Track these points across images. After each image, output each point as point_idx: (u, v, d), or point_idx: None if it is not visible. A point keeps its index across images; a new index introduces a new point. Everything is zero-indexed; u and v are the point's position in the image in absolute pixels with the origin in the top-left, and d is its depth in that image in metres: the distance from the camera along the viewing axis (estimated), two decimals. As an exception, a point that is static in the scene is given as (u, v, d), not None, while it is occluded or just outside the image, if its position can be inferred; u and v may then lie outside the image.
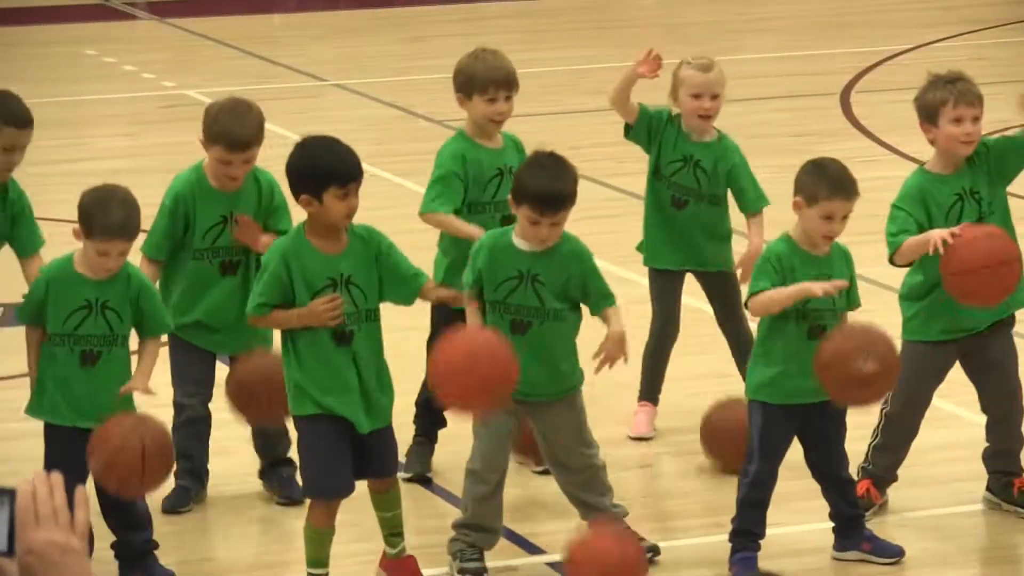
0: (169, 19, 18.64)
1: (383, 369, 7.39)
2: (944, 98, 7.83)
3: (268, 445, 8.28)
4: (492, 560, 7.64)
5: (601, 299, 7.43)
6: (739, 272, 8.55)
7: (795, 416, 7.40)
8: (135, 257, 7.81)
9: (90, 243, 7.31)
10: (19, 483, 3.22)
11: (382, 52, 17.01)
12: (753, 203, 8.62)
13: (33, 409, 7.56)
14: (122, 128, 14.60)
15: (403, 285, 7.31)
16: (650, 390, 8.74)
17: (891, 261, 7.79)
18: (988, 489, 8.17)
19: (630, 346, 7.54)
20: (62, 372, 7.39)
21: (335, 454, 7.24)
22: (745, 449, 7.79)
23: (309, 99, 15.18)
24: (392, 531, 7.44)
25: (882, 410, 8.17)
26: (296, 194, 7.28)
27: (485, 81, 8.34)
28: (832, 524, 7.66)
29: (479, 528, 7.54)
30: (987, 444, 8.14)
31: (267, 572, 7.92)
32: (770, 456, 7.46)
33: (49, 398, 7.43)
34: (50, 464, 7.29)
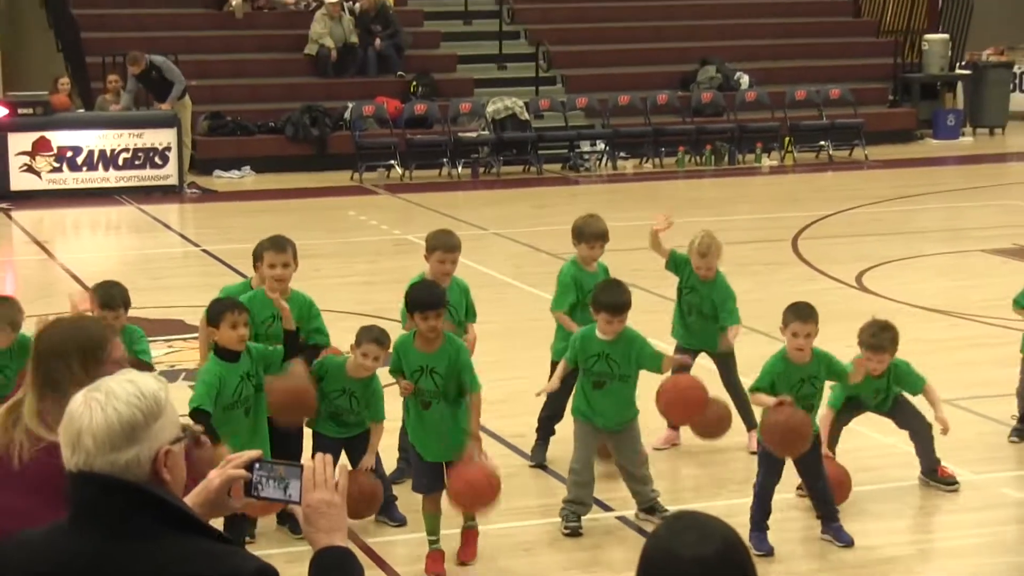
0: (398, 195, 20.70)
1: (457, 424, 7.68)
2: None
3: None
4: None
5: (649, 361, 8.18)
6: (724, 345, 9.22)
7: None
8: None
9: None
10: (306, 462, 3.46)
11: (521, 213, 18.97)
12: (728, 319, 9.30)
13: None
14: (368, 257, 15.78)
15: (466, 381, 7.66)
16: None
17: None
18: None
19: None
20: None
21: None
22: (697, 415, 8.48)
23: (477, 241, 15.69)
24: (469, 516, 7.85)
25: None
26: (409, 313, 7.82)
27: (590, 236, 9.25)
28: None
29: (579, 503, 8.19)
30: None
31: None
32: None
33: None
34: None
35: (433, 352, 7.67)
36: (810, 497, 8.14)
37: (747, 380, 9.34)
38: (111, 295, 8.08)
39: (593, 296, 8.32)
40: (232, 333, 7.42)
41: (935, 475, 8.75)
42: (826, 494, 8.02)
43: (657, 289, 11.20)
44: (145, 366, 7.73)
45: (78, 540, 3.17)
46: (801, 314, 7.90)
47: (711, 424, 8.88)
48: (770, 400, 7.81)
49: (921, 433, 8.64)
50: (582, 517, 8.18)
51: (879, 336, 8.42)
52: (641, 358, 8.17)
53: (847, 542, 7.94)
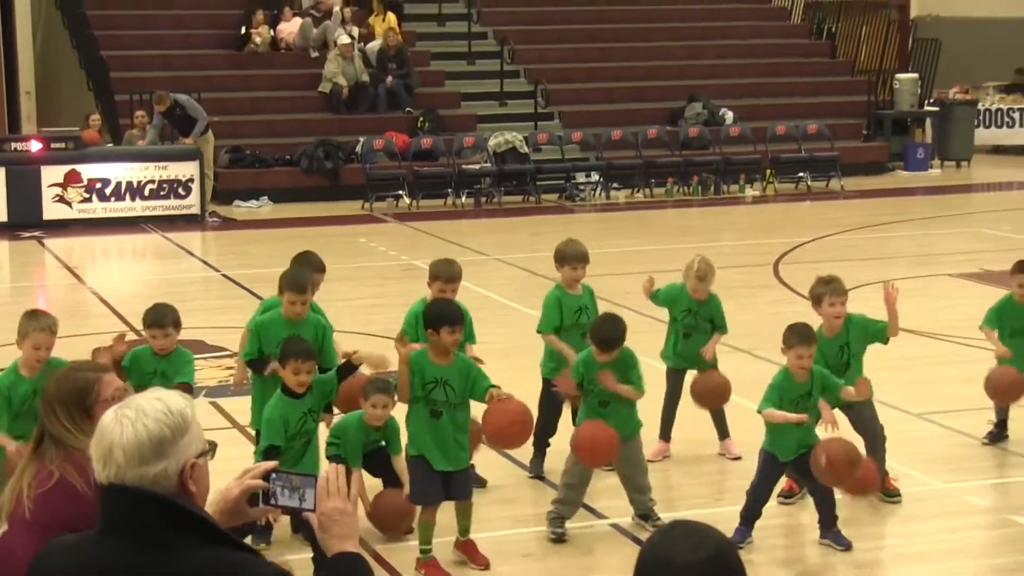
0: (405, 223, 20.67)
1: (465, 433, 7.73)
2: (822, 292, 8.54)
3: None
4: (577, 522, 8.23)
5: (638, 381, 8.14)
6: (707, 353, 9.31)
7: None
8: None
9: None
10: (320, 472, 3.46)
11: (520, 240, 18.95)
12: (720, 328, 9.46)
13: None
14: (377, 281, 15.86)
15: (476, 391, 7.70)
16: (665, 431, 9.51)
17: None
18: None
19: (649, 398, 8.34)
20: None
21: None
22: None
23: (479, 266, 15.82)
24: (464, 530, 7.89)
25: None
26: (425, 329, 7.78)
27: (572, 258, 9.19)
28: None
29: (567, 502, 8.15)
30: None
31: None
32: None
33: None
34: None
35: (447, 365, 7.69)
36: (815, 503, 8.10)
37: (732, 397, 9.52)
38: (161, 313, 8.10)
39: (590, 330, 8.33)
40: (294, 378, 7.51)
41: (882, 486, 8.65)
42: (829, 499, 7.99)
43: (647, 311, 11.05)
44: (187, 388, 7.81)
45: (109, 549, 3.18)
46: (806, 338, 7.94)
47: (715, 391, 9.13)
48: (785, 415, 7.81)
49: (875, 443, 8.56)
50: (567, 521, 8.17)
51: (835, 281, 8.48)
52: (631, 378, 8.21)
53: (846, 546, 7.91)
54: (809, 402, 7.93)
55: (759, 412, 7.96)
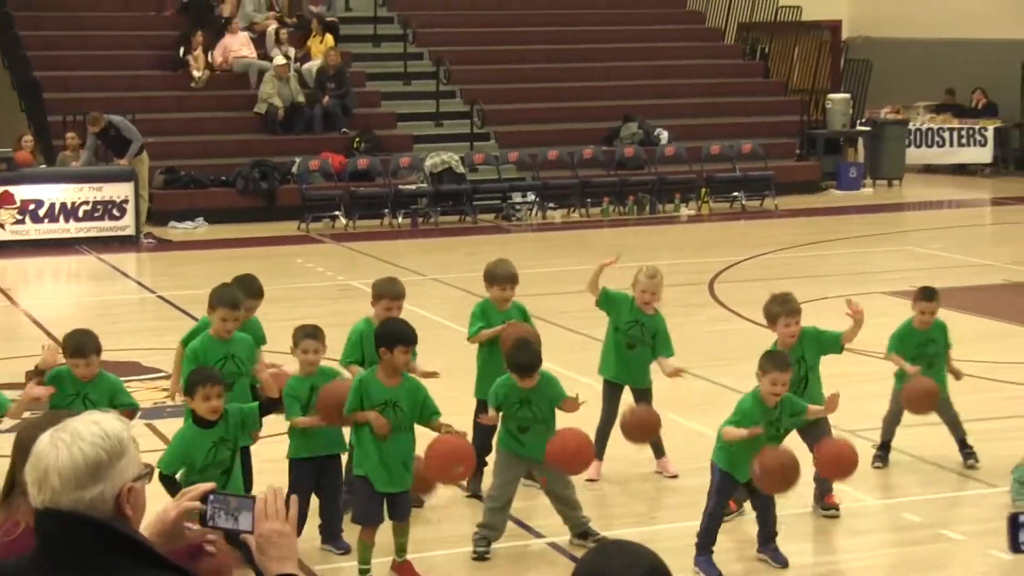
0: (342, 243, 20.75)
1: (411, 456, 7.77)
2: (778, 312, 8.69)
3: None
4: (513, 541, 8.27)
5: (558, 399, 8.16)
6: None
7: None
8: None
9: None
10: (259, 493, 3.43)
11: (457, 260, 18.78)
12: (666, 352, 9.48)
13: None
14: (314, 302, 15.75)
15: (424, 415, 7.75)
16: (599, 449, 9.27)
17: None
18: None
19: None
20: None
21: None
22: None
23: (416, 286, 15.13)
24: (401, 548, 7.90)
25: None
26: (377, 347, 7.76)
27: (502, 278, 9.30)
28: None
29: (491, 527, 8.19)
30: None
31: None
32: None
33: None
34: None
35: (396, 387, 7.68)
36: (756, 517, 8.11)
37: (669, 415, 9.50)
38: (83, 342, 7.98)
39: (506, 356, 8.36)
40: (205, 405, 7.35)
41: (823, 501, 8.80)
42: (771, 515, 8.04)
43: (583, 329, 11.16)
44: (132, 412, 7.79)
45: (45, 574, 3.15)
46: (782, 364, 7.96)
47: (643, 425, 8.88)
48: (741, 433, 7.77)
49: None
50: (492, 543, 8.17)
51: (789, 301, 8.63)
52: (554, 400, 8.21)
53: (782, 563, 7.96)
54: (779, 429, 7.95)
55: (722, 428, 7.92)
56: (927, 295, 9.72)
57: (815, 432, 8.57)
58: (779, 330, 8.66)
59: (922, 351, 9.64)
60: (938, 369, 9.63)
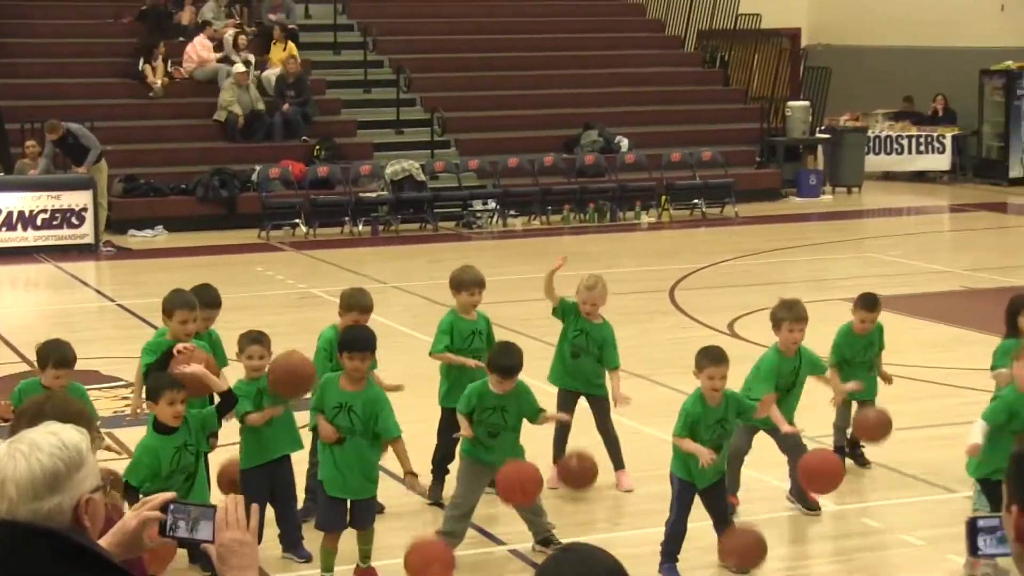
0: (303, 251, 20.66)
1: (370, 464, 7.78)
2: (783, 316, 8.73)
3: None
4: (475, 548, 8.32)
5: (533, 413, 8.23)
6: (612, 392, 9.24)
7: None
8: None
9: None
10: (219, 502, 3.46)
11: (418, 267, 18.93)
12: (611, 363, 9.41)
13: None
14: (275, 310, 15.76)
15: (379, 426, 7.73)
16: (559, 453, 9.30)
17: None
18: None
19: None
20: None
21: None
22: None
23: (377, 294, 14.66)
24: (365, 555, 7.95)
25: None
26: (339, 352, 7.87)
27: (469, 283, 9.27)
28: None
29: (452, 535, 8.11)
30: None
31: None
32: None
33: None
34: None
35: (355, 392, 7.69)
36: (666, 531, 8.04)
37: (629, 422, 9.44)
38: (64, 353, 7.96)
39: (488, 358, 8.32)
40: (169, 410, 7.32)
41: (803, 497, 8.83)
42: (676, 535, 7.96)
43: (545, 337, 11.01)
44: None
45: None
46: (716, 358, 7.83)
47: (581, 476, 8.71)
48: (694, 447, 7.68)
49: (799, 459, 8.62)
50: (454, 549, 8.06)
51: (797, 307, 8.68)
52: (525, 408, 8.22)
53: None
54: (723, 430, 7.87)
55: (673, 436, 7.89)
56: (868, 304, 9.58)
57: (787, 439, 8.68)
58: (782, 335, 8.69)
59: (863, 355, 9.62)
60: (876, 373, 9.69)
